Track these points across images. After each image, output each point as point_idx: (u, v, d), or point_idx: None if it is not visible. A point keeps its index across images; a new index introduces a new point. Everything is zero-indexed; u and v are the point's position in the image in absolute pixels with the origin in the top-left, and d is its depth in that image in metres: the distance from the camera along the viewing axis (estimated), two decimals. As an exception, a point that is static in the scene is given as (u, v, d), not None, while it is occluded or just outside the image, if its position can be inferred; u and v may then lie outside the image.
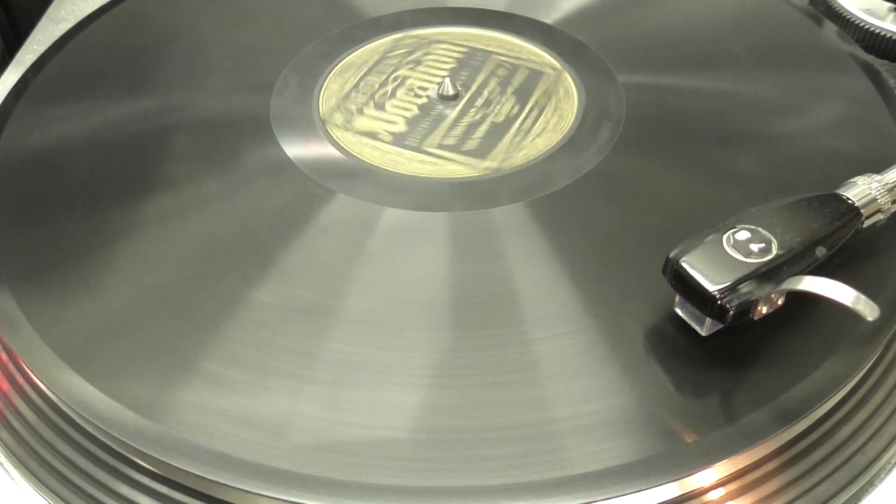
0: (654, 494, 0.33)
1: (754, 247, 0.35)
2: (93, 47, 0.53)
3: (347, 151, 0.45)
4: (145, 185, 0.44)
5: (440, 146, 0.46)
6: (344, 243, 0.41)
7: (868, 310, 0.31)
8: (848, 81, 0.48)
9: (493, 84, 0.49)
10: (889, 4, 0.55)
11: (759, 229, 0.35)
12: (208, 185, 0.44)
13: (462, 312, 0.38)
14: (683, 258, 0.35)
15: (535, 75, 0.50)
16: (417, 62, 0.51)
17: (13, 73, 0.57)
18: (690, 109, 0.47)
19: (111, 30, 0.54)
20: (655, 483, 0.32)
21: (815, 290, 0.32)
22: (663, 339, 0.36)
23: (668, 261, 0.35)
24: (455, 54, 0.51)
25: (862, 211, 0.38)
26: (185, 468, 0.33)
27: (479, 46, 0.52)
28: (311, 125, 0.47)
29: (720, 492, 0.35)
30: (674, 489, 0.33)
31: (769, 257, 0.35)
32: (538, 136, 0.46)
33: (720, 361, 0.36)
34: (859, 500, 0.37)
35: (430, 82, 0.49)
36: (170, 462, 0.33)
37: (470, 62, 0.51)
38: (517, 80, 0.49)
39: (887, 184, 0.38)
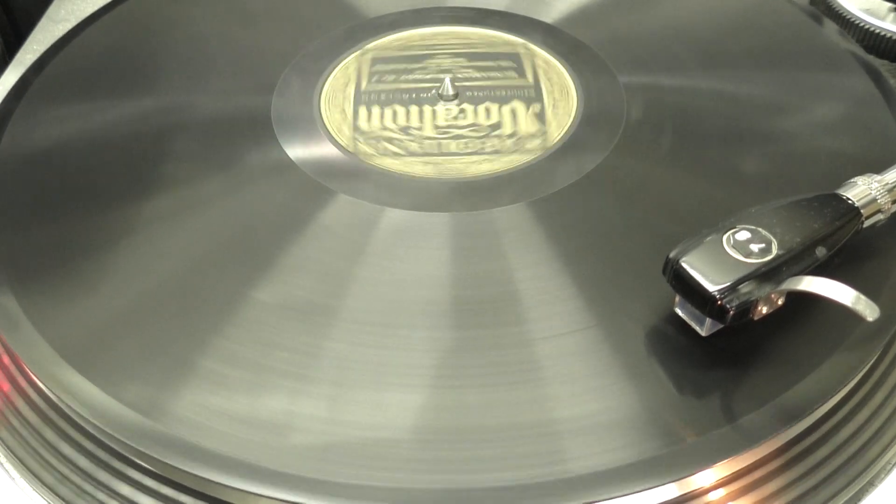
0: (654, 494, 0.33)
1: (754, 247, 0.35)
2: (93, 47, 0.53)
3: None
4: (145, 185, 0.44)
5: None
6: (344, 243, 0.41)
7: (868, 310, 0.31)
8: (848, 81, 0.48)
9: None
10: (889, 4, 0.55)
11: (759, 229, 0.35)
12: (208, 185, 0.44)
13: (462, 312, 0.38)
14: (683, 258, 0.35)
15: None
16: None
17: (13, 73, 0.57)
18: (691, 109, 0.47)
19: (111, 30, 0.54)
20: (655, 483, 0.32)
21: (814, 291, 0.32)
22: (664, 340, 0.36)
23: (667, 261, 0.35)
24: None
25: (862, 211, 0.38)
26: (185, 468, 0.33)
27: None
28: (312, 125, 0.47)
29: (720, 492, 0.35)
30: (674, 489, 0.33)
31: (769, 257, 0.35)
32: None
33: (720, 361, 0.36)
34: (859, 500, 0.37)
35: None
36: (170, 462, 0.33)
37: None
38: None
39: (887, 184, 0.38)
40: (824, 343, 0.36)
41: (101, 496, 0.36)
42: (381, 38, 0.53)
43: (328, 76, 0.50)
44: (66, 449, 0.37)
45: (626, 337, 0.37)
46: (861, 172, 0.39)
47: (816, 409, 0.35)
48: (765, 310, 0.35)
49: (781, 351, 0.36)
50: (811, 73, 0.49)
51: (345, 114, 0.48)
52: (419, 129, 0.47)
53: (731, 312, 0.34)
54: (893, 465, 0.38)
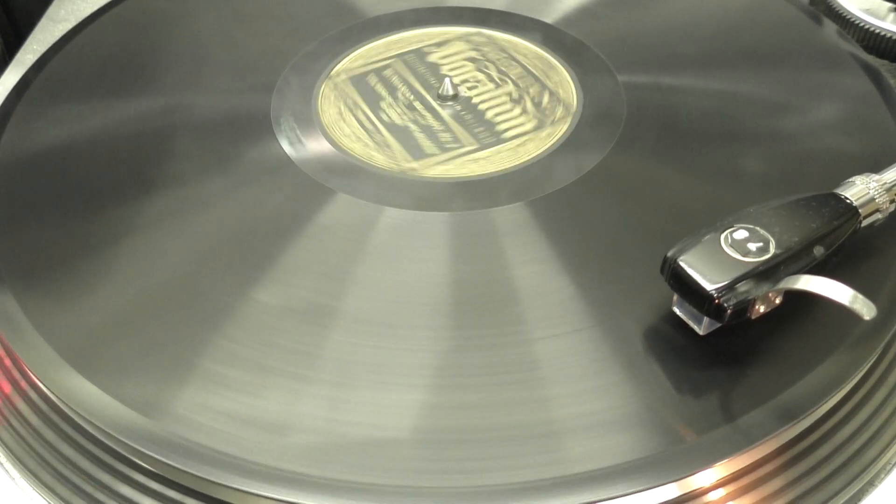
0: (654, 494, 0.33)
1: (752, 246, 0.35)
2: (93, 47, 0.53)
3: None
4: (145, 185, 0.44)
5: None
6: (344, 243, 0.41)
7: (865, 309, 0.31)
8: (848, 81, 0.48)
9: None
10: (889, 4, 0.55)
11: (757, 228, 0.35)
12: (208, 185, 0.44)
13: (462, 312, 0.38)
14: (681, 257, 0.35)
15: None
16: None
17: (13, 73, 0.57)
18: (690, 109, 0.47)
19: (111, 30, 0.54)
20: (655, 483, 0.32)
21: (812, 290, 0.32)
22: (664, 340, 0.36)
23: (665, 260, 0.35)
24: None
25: (860, 210, 0.38)
26: (185, 468, 0.33)
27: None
28: (312, 125, 0.47)
29: (720, 492, 0.35)
30: (674, 489, 0.33)
31: (767, 256, 0.35)
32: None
33: (720, 361, 0.36)
34: (859, 500, 0.37)
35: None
36: (170, 462, 0.33)
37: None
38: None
39: (885, 183, 0.38)
40: (824, 342, 0.36)
41: (101, 496, 0.36)
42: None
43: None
44: (67, 449, 0.37)
45: (625, 336, 0.37)
46: (860, 172, 0.39)
47: (816, 408, 0.35)
48: (763, 309, 0.35)
49: (781, 350, 0.36)
50: (811, 73, 0.49)
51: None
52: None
53: (729, 311, 0.34)
54: (893, 465, 0.38)
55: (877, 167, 0.39)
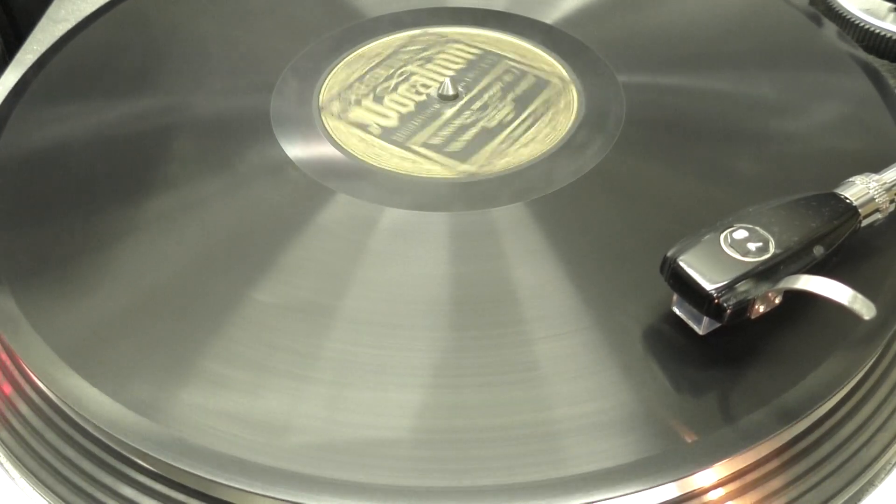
0: (654, 494, 0.33)
1: (752, 246, 0.35)
2: (93, 47, 0.53)
3: (341, 147, 0.46)
4: (145, 185, 0.44)
5: (424, 145, 0.46)
6: (344, 243, 0.41)
7: (865, 309, 0.31)
8: (848, 81, 0.48)
9: (495, 89, 0.49)
10: (889, 4, 0.55)
11: (757, 228, 0.35)
12: (208, 185, 0.44)
13: (462, 312, 0.38)
14: (681, 257, 0.35)
15: (540, 83, 0.49)
16: (419, 62, 0.51)
17: (13, 73, 0.57)
18: (690, 109, 0.47)
19: (111, 30, 0.54)
20: (655, 483, 0.32)
21: (812, 289, 0.32)
22: (664, 340, 0.36)
23: (665, 260, 0.35)
24: (457, 54, 0.51)
25: (860, 210, 0.38)
26: (185, 468, 0.33)
27: (490, 49, 0.52)
28: (312, 125, 0.47)
29: (720, 492, 0.35)
30: (674, 489, 0.33)
31: (766, 256, 0.35)
32: (525, 144, 0.46)
33: (720, 361, 0.36)
34: (859, 500, 0.37)
35: (431, 82, 0.49)
36: (170, 462, 0.33)
37: (477, 64, 0.51)
38: (521, 86, 0.49)
39: (885, 183, 0.38)
40: (824, 342, 0.36)
41: (101, 496, 0.36)
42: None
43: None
44: (66, 449, 0.37)
45: (624, 336, 0.37)
46: (860, 172, 0.39)
47: (816, 408, 0.35)
48: (762, 309, 0.35)
49: (781, 350, 0.36)
50: (811, 74, 0.49)
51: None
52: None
53: (729, 311, 0.34)
54: (893, 465, 0.38)
55: (877, 167, 0.39)
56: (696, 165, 0.44)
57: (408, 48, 0.52)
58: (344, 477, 0.32)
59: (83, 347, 0.37)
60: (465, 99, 0.48)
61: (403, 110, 0.48)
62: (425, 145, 0.46)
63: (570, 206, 0.42)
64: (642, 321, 0.37)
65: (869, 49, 0.54)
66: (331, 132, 0.47)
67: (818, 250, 0.36)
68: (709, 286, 0.34)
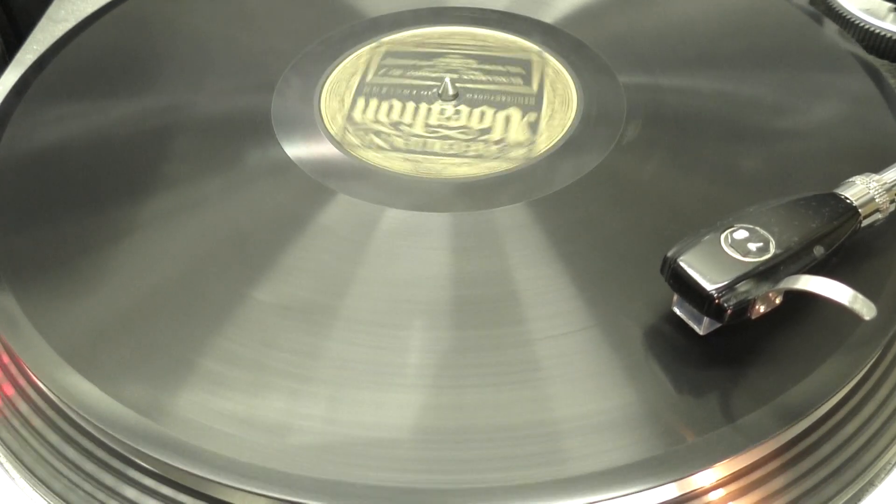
0: (654, 494, 0.33)
1: (752, 246, 0.35)
2: (93, 47, 0.53)
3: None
4: (145, 185, 0.44)
5: (425, 144, 0.46)
6: (344, 243, 0.41)
7: (865, 309, 0.31)
8: (848, 81, 0.48)
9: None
10: (889, 4, 0.55)
11: (757, 228, 0.35)
12: (208, 185, 0.44)
13: (462, 313, 0.38)
14: (681, 257, 0.35)
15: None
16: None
17: (13, 73, 0.57)
18: (690, 109, 0.47)
19: (111, 30, 0.54)
20: (655, 483, 0.32)
21: (812, 290, 0.32)
22: (664, 340, 0.36)
23: (665, 260, 0.35)
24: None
25: (860, 210, 0.38)
26: (185, 468, 0.33)
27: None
28: (312, 125, 0.47)
29: (720, 492, 0.35)
30: (674, 489, 0.33)
31: (767, 256, 0.35)
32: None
33: (721, 361, 0.36)
34: (859, 500, 0.37)
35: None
36: (170, 462, 0.33)
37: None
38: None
39: (886, 183, 0.38)
40: (824, 343, 0.36)
41: (101, 496, 0.36)
42: (380, 38, 0.53)
43: (328, 76, 0.50)
44: (67, 449, 0.37)
45: (625, 336, 0.37)
46: (860, 172, 0.39)
47: (816, 408, 0.35)
48: (763, 309, 0.35)
49: (781, 350, 0.36)
50: (811, 73, 0.49)
51: (342, 103, 0.48)
52: (409, 125, 0.47)
53: (729, 311, 0.34)
54: (893, 465, 0.38)
55: (877, 167, 0.39)
56: (696, 165, 0.44)
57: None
58: (344, 477, 0.32)
59: (83, 347, 0.37)
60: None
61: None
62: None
63: (570, 207, 0.42)
64: (643, 321, 0.37)
65: (869, 49, 0.54)
66: (331, 132, 0.47)
67: (818, 250, 0.36)
68: (709, 286, 0.34)
